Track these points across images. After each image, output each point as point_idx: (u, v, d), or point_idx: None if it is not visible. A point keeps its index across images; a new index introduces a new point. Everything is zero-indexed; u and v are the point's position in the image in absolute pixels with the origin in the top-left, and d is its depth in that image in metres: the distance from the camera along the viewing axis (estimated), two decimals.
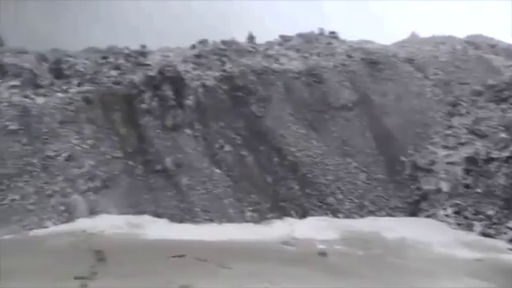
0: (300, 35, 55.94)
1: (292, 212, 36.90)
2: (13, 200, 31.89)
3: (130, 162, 37.06)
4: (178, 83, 41.83)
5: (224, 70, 45.03)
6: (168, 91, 41.11)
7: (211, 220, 34.39)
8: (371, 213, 37.91)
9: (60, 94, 40.36)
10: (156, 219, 32.91)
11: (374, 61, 49.18)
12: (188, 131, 39.95)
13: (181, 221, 33.67)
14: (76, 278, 18.75)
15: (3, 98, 38.15)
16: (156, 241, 27.10)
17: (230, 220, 34.82)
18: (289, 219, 35.50)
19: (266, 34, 57.41)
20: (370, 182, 40.00)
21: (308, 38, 55.00)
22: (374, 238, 30.72)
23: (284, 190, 38.35)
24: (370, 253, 27.31)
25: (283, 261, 24.06)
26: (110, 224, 30.56)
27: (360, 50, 51.10)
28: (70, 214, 32.35)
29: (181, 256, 22.62)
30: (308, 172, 39.24)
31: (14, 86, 40.01)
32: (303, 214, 36.76)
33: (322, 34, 56.64)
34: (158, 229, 30.29)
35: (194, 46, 50.91)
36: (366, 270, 23.15)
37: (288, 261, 24.30)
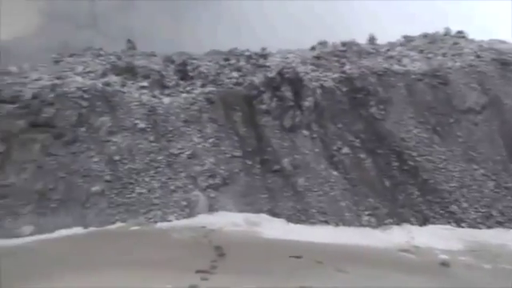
0: (424, 35, 53.74)
1: (411, 219, 35.55)
2: (140, 193, 34.01)
3: (249, 162, 37.91)
4: (296, 84, 42.12)
5: (343, 72, 44.56)
6: (287, 92, 41.55)
7: (327, 222, 34.16)
8: (499, 224, 35.31)
9: (184, 95, 42.39)
10: (273, 218, 33.32)
11: (506, 61, 45.86)
12: (306, 132, 40.05)
13: (297, 221, 33.81)
14: (197, 271, 19.39)
15: (134, 97, 40.78)
16: (273, 240, 27.39)
17: (346, 223, 34.36)
18: (408, 226, 34.17)
19: (386, 35, 55.85)
20: (498, 190, 37.32)
21: (433, 38, 52.67)
22: (503, 252, 28.51)
23: (403, 195, 37.07)
24: (499, 267, 25.41)
25: (401, 269, 23.15)
26: (229, 221, 31.42)
27: (491, 50, 47.86)
28: (191, 210, 33.79)
29: (298, 257, 22.62)
30: (430, 178, 37.53)
31: (143, 87, 42.67)
32: (423, 222, 35.23)
33: (447, 33, 53.88)
34: (275, 228, 30.59)
35: (313, 48, 50.94)
36: (494, 286, 21.61)
37: (406, 269, 23.34)
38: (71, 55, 48.57)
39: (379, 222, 34.74)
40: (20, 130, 35.73)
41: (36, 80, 40.31)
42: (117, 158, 35.63)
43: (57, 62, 46.32)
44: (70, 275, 19.37)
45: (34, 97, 37.62)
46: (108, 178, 34.30)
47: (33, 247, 26.74)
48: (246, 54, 48.17)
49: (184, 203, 33.93)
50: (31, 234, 29.88)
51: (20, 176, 33.23)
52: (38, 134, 35.85)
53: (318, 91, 42.37)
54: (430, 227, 34.26)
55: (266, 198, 35.70)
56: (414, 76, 44.67)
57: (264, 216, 33.35)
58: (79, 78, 41.11)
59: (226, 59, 47.43)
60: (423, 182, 37.39)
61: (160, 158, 36.48)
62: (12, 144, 34.95)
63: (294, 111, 40.64)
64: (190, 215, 33.25)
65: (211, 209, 34.07)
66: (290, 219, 33.83)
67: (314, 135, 40.01)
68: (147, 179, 34.94)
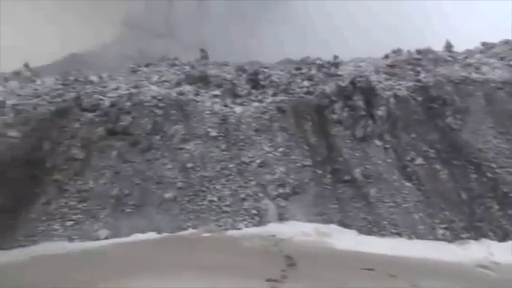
0: (505, 42, 51.32)
1: (490, 233, 33.87)
2: (211, 201, 34.56)
3: (319, 171, 37.62)
4: (369, 93, 41.45)
5: (418, 80, 43.44)
6: (359, 101, 40.95)
7: (399, 234, 33.22)
8: None
9: (256, 104, 42.77)
10: (344, 229, 32.86)
11: None
12: (378, 142, 39.28)
13: (368, 233, 33.13)
14: (268, 280, 19.50)
15: (206, 106, 41.62)
16: (345, 251, 27.07)
17: (420, 236, 33.23)
18: (486, 241, 32.63)
19: (464, 42, 53.93)
20: None
21: None
22: None
23: (481, 208, 35.43)
24: None
25: (480, 285, 22.28)
26: (299, 231, 31.33)
27: None
28: (260, 218, 33.92)
29: (370, 269, 22.22)
30: (510, 191, 35.71)
31: (215, 96, 43.47)
32: (503, 237, 33.48)
33: None
34: (346, 239, 30.20)
35: (386, 56, 50.07)
36: None
37: (485, 286, 22.39)
38: (147, 65, 50.44)
39: (455, 236, 33.36)
40: (99, 138, 37.41)
41: (114, 89, 42.13)
42: (189, 165, 36.39)
43: (134, 71, 48.24)
44: (143, 279, 19.98)
45: (112, 105, 39.29)
46: (180, 184, 35.09)
47: (108, 250, 27.85)
48: (318, 62, 48.00)
49: (254, 211, 34.10)
50: (107, 238, 31.13)
51: (98, 181, 34.72)
52: (115, 141, 37.38)
53: (392, 100, 41.49)
54: (511, 243, 32.58)
55: (336, 208, 35.22)
56: (493, 84, 42.80)
57: (334, 227, 32.96)
58: (154, 87, 42.51)
59: (298, 68, 47.48)
60: (503, 195, 35.63)
61: (231, 166, 36.95)
62: (91, 151, 36.64)
63: (366, 121, 39.97)
64: (260, 224, 33.37)
65: (281, 218, 34.03)
66: (360, 230, 33.21)
67: (387, 145, 39.14)
68: (218, 187, 35.44)
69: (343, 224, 33.86)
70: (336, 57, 49.05)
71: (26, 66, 47.83)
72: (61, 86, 42.18)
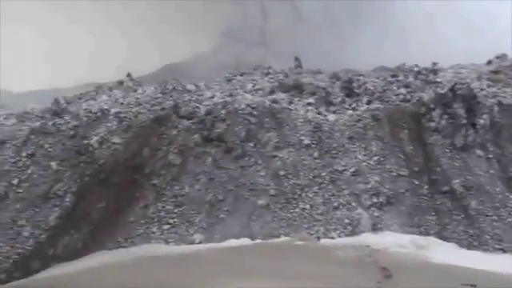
0: None
1: None
2: (303, 209, 34.54)
3: (416, 181, 36.45)
4: (470, 101, 39.49)
5: None
6: (459, 109, 39.12)
7: (503, 250, 31.32)
8: None
9: (350, 112, 42.23)
10: (442, 242, 31.54)
11: None
12: (479, 152, 37.33)
13: (469, 247, 31.58)
14: None
15: (300, 114, 41.70)
16: (444, 265, 25.89)
17: None
18: None
19: None
20: None
21: None
22: None
23: None
24: None
25: None
26: (395, 242, 30.49)
27: None
28: (353, 228, 33.41)
29: (472, 286, 21.12)
30: None
31: (309, 104, 43.41)
32: None
33: None
34: (445, 253, 28.93)
35: (489, 62, 47.60)
36: None
37: None
38: (242, 73, 51.43)
39: None
40: (195, 144, 38.64)
41: (210, 97, 43.37)
42: (282, 173, 36.65)
43: (229, 80, 49.38)
44: (235, 284, 20.31)
45: (208, 113, 40.43)
46: (273, 192, 35.41)
47: (203, 254, 28.62)
48: (415, 69, 46.62)
49: (347, 221, 33.70)
50: (201, 242, 32.03)
51: (194, 187, 35.89)
52: (210, 148, 38.46)
53: (495, 108, 39.35)
54: None
55: (433, 220, 33.98)
56: None
57: (432, 239, 31.74)
58: (249, 96, 43.25)
59: (394, 75, 46.34)
60: None
61: (324, 174, 36.73)
62: (187, 157, 37.92)
63: (467, 129, 38.13)
64: (353, 233, 32.91)
65: (374, 228, 33.36)
66: (460, 244, 31.77)
67: (490, 155, 37.16)
68: (310, 195, 35.40)
69: (441, 236, 32.57)
70: (435, 63, 47.30)
71: (129, 76, 50.39)
72: (160, 95, 44.04)
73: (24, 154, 34.73)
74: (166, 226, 33.60)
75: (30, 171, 33.86)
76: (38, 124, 37.70)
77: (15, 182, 33.12)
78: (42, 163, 34.64)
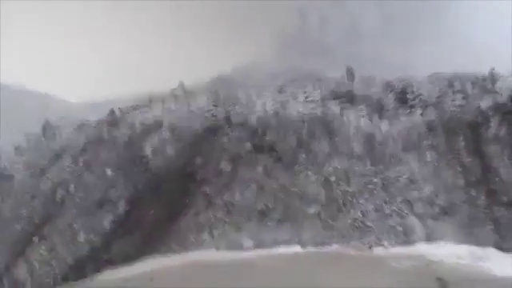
0: None
1: None
2: (355, 219, 34.07)
3: (473, 192, 35.25)
4: None
5: None
6: None
7: None
8: None
9: (403, 120, 41.28)
10: (503, 254, 30.24)
11: None
12: None
13: None
14: None
15: (351, 123, 41.17)
16: (505, 278, 24.78)
17: None
18: None
19: None
20: None
21: None
22: None
23: None
24: None
25: None
26: (452, 252, 29.56)
27: None
28: (406, 237, 32.77)
29: None
30: None
31: (361, 112, 42.75)
32: None
33: None
34: (506, 264, 27.65)
35: None
36: None
37: None
38: (294, 82, 51.31)
39: None
40: (246, 152, 38.83)
41: (261, 106, 43.46)
42: (333, 179, 36.36)
43: (281, 88, 49.34)
44: None
45: (259, 122, 40.52)
46: (323, 200, 35.08)
47: (254, 261, 28.62)
48: (472, 77, 45.06)
49: (400, 229, 33.15)
50: (251, 248, 32.08)
51: (244, 194, 36.03)
52: (260, 156, 38.57)
53: None
54: None
55: (491, 231, 32.70)
56: None
57: (492, 250, 30.52)
58: (300, 105, 43.10)
59: (450, 83, 44.95)
60: None
61: (376, 180, 36.21)
62: (238, 164, 38.16)
63: None
64: (406, 242, 32.28)
65: (429, 238, 32.52)
66: None
67: None
68: (362, 202, 34.99)
69: (500, 248, 31.27)
70: (492, 69, 45.61)
71: (181, 86, 51.21)
72: (212, 105, 44.53)
73: (81, 163, 35.80)
74: (216, 233, 33.84)
75: (85, 179, 34.88)
76: (94, 134, 38.82)
77: (71, 189, 34.18)
78: (97, 171, 35.64)
